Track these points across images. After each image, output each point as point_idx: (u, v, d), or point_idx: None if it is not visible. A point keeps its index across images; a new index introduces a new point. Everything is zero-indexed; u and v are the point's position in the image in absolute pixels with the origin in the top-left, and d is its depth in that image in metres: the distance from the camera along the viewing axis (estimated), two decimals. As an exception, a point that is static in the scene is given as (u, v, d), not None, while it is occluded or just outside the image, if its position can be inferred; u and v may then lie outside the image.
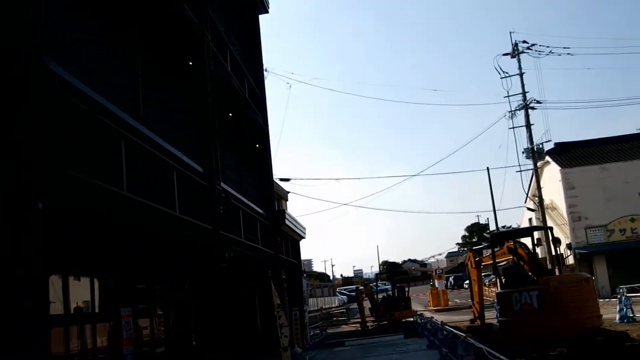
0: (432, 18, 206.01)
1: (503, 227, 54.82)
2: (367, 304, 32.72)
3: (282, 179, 31.30)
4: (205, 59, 13.07)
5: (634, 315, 21.35)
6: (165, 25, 11.11)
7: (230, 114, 16.22)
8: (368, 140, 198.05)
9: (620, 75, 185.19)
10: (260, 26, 22.91)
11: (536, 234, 37.29)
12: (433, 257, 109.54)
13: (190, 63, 12.86)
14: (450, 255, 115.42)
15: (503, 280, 17.37)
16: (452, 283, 66.42)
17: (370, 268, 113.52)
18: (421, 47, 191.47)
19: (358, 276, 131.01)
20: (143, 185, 8.63)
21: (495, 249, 18.26)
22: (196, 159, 11.66)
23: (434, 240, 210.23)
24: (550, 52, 37.37)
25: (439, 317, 31.95)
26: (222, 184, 13.28)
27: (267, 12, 23.41)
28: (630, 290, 28.51)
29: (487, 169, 44.52)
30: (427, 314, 32.51)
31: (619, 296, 22.57)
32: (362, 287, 37.74)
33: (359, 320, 32.30)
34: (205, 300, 12.01)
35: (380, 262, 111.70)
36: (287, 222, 21.05)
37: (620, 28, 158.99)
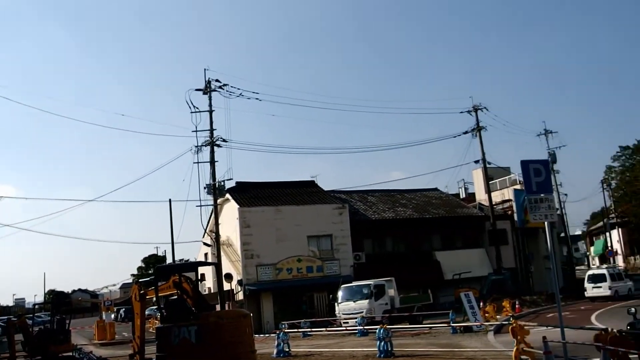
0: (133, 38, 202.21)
1: (180, 260, 54.65)
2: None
3: None
4: None
5: (290, 350, 22.40)
6: None
7: None
8: (49, 159, 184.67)
9: (307, 126, 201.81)
10: None
11: (226, 270, 38.17)
12: (106, 287, 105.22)
13: None
14: (124, 287, 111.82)
15: (164, 314, 16.82)
16: (123, 315, 63.78)
17: (34, 297, 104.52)
18: (109, 69, 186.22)
19: (19, 305, 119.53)
20: None
21: (162, 283, 17.68)
22: None
23: (110, 270, 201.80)
24: (240, 94, 38.78)
25: (102, 352, 30.10)
26: None
27: None
28: (291, 326, 30.21)
29: (170, 200, 44.13)
30: (90, 348, 30.40)
31: (277, 331, 23.60)
32: (15, 318, 33.99)
33: (8, 355, 28.85)
34: None
35: (47, 290, 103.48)
36: None
37: (312, 82, 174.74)
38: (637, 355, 11.11)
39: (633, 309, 12.96)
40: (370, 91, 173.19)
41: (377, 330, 18.93)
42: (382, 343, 18.38)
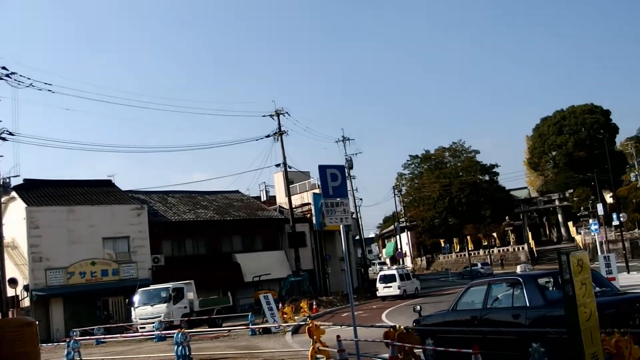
0: None
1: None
2: None
3: None
4: None
5: (81, 359, 21.08)
6: None
7: None
8: None
9: (108, 122, 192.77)
10: None
11: (10, 274, 34.69)
12: None
13: None
14: None
15: None
16: None
17: None
18: None
19: None
20: None
21: None
22: None
23: None
24: (31, 84, 35.78)
25: None
26: None
27: None
28: (83, 333, 28.47)
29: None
30: None
31: (67, 339, 22.09)
32: None
33: None
34: None
35: None
36: None
37: (161, 79, 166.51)
38: (421, 350, 11.94)
39: (418, 307, 13.92)
40: (175, 91, 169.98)
41: (174, 335, 18.43)
42: (180, 348, 17.91)
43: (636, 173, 68.58)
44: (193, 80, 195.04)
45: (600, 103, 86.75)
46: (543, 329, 9.42)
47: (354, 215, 57.85)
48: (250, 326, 25.60)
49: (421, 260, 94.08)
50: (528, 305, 10.45)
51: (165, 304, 30.93)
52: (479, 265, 66.90)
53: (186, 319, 30.21)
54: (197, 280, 35.01)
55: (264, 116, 47.69)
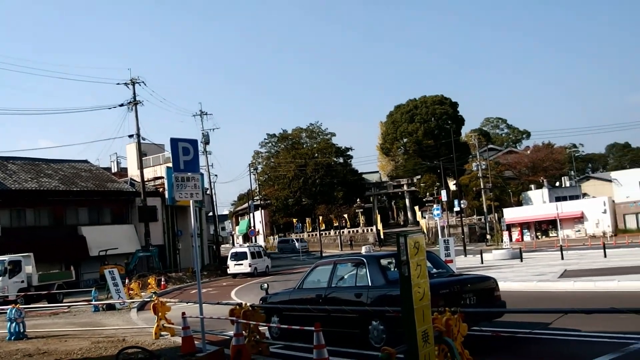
0: None
1: None
2: None
3: None
4: None
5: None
6: None
7: None
8: None
9: None
10: None
11: None
12: None
13: None
14: None
15: None
16: None
17: None
18: None
19: None
20: None
21: None
22: None
23: None
24: None
25: None
26: None
27: None
28: None
29: None
30: None
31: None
32: None
33: None
34: None
35: None
36: None
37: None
38: (266, 327, 12.05)
39: (266, 285, 14.02)
40: (24, 53, 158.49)
41: (7, 311, 17.26)
42: (14, 324, 16.84)
43: (477, 163, 73.19)
44: (41, 43, 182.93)
45: (450, 95, 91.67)
46: (382, 308, 9.83)
47: (208, 192, 57.22)
48: (93, 302, 24.66)
49: (273, 239, 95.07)
50: (370, 284, 10.84)
51: (0, 278, 29.03)
52: (296, 242, 72.84)
53: (23, 294, 28.64)
54: (38, 253, 33.10)
55: (118, 84, 45.73)
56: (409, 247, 5.99)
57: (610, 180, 69.19)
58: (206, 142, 55.51)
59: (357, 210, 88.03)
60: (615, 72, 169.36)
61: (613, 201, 64.21)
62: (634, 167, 78.33)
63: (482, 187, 71.59)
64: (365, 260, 11.45)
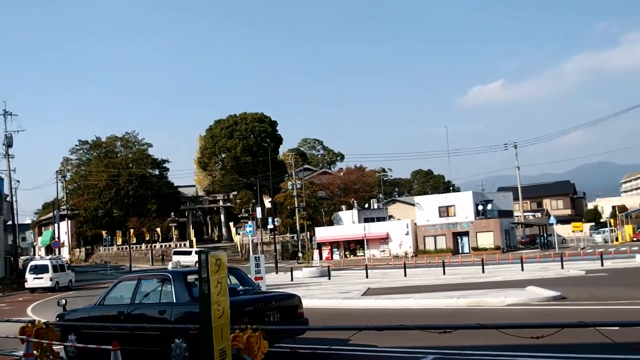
0: None
1: None
2: None
3: None
4: None
5: None
6: None
7: None
8: None
9: None
10: None
11: None
12: None
13: None
14: None
15: None
16: None
17: None
18: None
19: None
20: None
21: None
22: None
23: None
24: None
25: None
26: None
27: None
28: None
29: None
30: None
31: None
32: None
33: None
34: None
35: None
36: None
37: None
38: (62, 347, 11.35)
39: (64, 301, 13.20)
40: None
41: None
42: None
43: (293, 182, 75.04)
44: None
45: (270, 114, 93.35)
46: (185, 325, 9.68)
47: (8, 198, 53.03)
48: None
49: (80, 252, 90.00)
50: (175, 301, 10.64)
51: None
52: (37, 257, 66.49)
53: None
54: None
55: None
56: (210, 264, 5.99)
57: (413, 204, 73.97)
58: (9, 144, 51.41)
59: (170, 225, 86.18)
60: (422, 107, 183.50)
61: (415, 224, 68.71)
62: (435, 192, 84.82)
63: (296, 205, 73.45)
64: (170, 276, 11.22)
